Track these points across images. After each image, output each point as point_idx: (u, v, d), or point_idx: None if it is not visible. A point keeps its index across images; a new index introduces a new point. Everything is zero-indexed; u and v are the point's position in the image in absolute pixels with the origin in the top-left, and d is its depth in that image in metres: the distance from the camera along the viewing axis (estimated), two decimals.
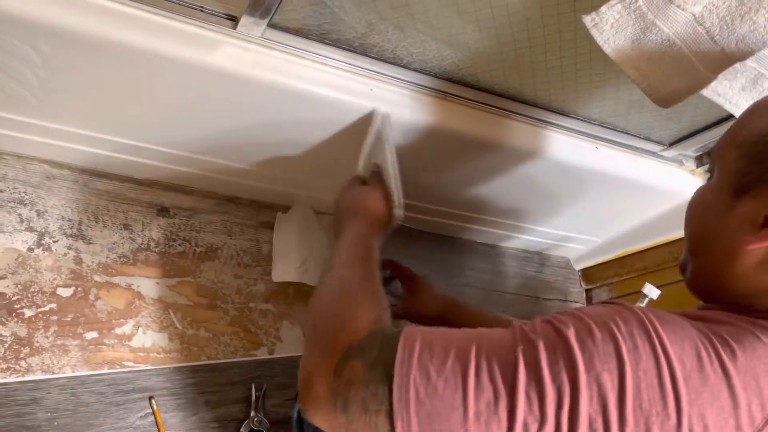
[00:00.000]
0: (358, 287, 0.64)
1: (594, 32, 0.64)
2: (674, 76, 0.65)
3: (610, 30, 0.63)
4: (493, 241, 1.39)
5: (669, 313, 0.50)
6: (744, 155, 0.53)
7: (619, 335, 0.46)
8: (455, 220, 1.25)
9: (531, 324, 0.51)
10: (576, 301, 1.47)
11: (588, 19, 0.63)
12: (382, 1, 0.71)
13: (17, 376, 0.88)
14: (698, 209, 0.60)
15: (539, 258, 1.45)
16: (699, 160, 1.08)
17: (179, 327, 1.01)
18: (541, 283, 1.43)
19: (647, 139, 1.03)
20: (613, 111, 0.94)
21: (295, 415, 0.83)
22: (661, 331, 0.46)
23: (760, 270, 0.51)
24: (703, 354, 0.46)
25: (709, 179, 0.60)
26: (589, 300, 1.48)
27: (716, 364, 0.46)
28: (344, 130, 0.90)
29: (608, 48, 0.65)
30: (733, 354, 0.46)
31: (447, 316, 1.06)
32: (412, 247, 1.26)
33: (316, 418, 0.53)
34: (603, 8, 0.62)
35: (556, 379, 0.45)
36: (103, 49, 0.73)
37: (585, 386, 0.45)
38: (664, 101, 0.68)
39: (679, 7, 0.58)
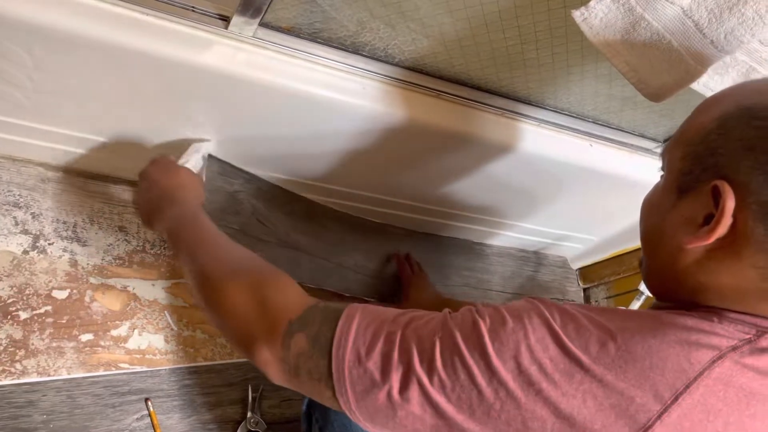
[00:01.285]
0: (254, 262, 0.68)
1: (584, 27, 0.64)
2: (664, 69, 0.65)
3: (600, 24, 0.63)
4: (489, 240, 1.38)
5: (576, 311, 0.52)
6: (687, 154, 0.53)
7: (528, 326, 0.50)
8: (452, 219, 1.25)
9: (458, 312, 0.55)
10: (574, 300, 1.46)
11: (577, 14, 0.63)
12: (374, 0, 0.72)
13: (12, 379, 0.88)
14: (648, 209, 0.60)
15: (536, 257, 1.45)
16: None
17: (175, 328, 1.01)
18: (539, 283, 1.43)
19: (641, 136, 1.03)
20: (606, 107, 0.94)
21: (304, 408, 0.83)
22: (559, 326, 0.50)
23: (699, 269, 0.51)
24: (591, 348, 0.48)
25: (661, 177, 0.60)
26: (587, 299, 1.48)
27: (600, 361, 0.47)
28: (337, 129, 0.90)
29: (598, 42, 0.65)
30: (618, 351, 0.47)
31: None
32: (407, 247, 1.26)
33: (272, 377, 0.58)
34: (592, 3, 0.62)
35: (466, 365, 0.49)
36: (95, 51, 0.73)
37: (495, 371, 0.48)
38: (655, 95, 0.68)
39: (667, 0, 0.58)
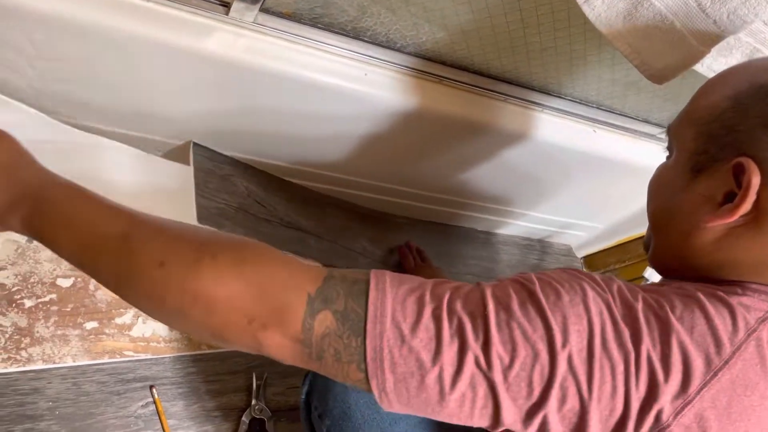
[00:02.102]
0: (203, 231, 0.51)
1: (585, 8, 0.63)
2: (667, 51, 0.64)
3: (602, 6, 0.63)
4: (494, 229, 1.38)
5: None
6: (700, 134, 0.53)
7: (582, 289, 0.48)
8: (455, 207, 1.24)
9: (498, 283, 0.51)
10: None
11: None
12: None
13: (18, 366, 0.89)
14: (658, 187, 0.60)
15: (541, 246, 1.45)
16: None
17: None
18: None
19: (645, 121, 1.02)
20: (610, 92, 0.94)
21: (303, 396, 0.83)
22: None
23: (718, 246, 0.52)
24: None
25: (668, 157, 0.60)
26: None
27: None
28: (338, 115, 0.90)
29: (600, 24, 0.64)
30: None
31: None
32: (411, 236, 1.26)
33: (285, 361, 0.50)
34: None
35: (529, 337, 0.46)
36: (96, 37, 0.73)
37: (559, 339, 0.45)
38: (658, 77, 0.67)
39: None
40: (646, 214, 1.20)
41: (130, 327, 0.98)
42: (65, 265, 0.96)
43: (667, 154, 0.61)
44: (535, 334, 0.45)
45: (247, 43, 0.78)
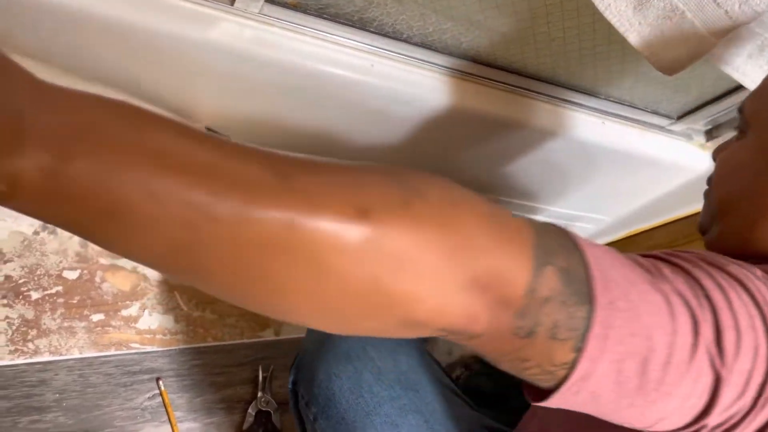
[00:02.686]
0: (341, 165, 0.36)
1: (596, 0, 0.63)
2: (678, 41, 0.63)
3: None
4: None
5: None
6: None
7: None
8: None
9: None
10: None
11: None
12: None
13: (25, 358, 0.89)
14: (732, 169, 0.58)
15: None
16: (708, 134, 1.06)
17: (185, 309, 1.01)
18: None
19: (655, 112, 1.01)
20: (619, 84, 0.93)
21: (290, 385, 0.83)
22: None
23: None
24: None
25: (738, 137, 0.58)
26: None
27: None
28: (346, 107, 0.89)
29: (610, 15, 0.63)
30: None
31: None
32: None
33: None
34: None
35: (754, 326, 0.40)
36: (99, 26, 0.72)
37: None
38: (669, 68, 0.66)
39: None
40: (653, 206, 1.19)
41: (136, 319, 0.98)
42: (71, 256, 0.96)
43: (736, 134, 0.59)
44: (756, 322, 0.40)
45: (254, 34, 0.78)
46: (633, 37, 0.64)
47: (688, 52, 0.64)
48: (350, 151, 1.02)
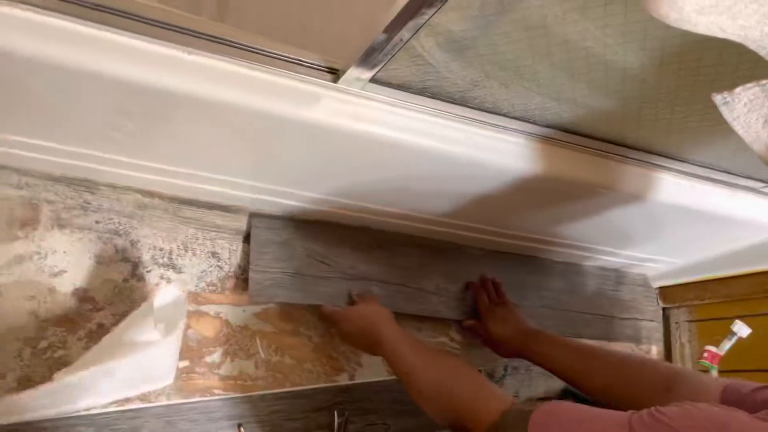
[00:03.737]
0: (460, 373, 0.84)
1: (723, 110, 0.60)
2: None
3: (743, 108, 0.60)
4: (574, 261, 1.36)
5: None
6: None
7: None
8: (537, 243, 1.23)
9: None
10: (652, 320, 1.44)
11: (719, 98, 0.59)
12: (491, 64, 0.69)
13: (117, 406, 0.92)
14: None
15: (616, 275, 1.42)
16: None
17: (263, 355, 1.03)
18: (618, 302, 1.40)
19: (749, 177, 0.98)
20: (718, 155, 0.90)
21: None
22: None
23: None
24: None
25: None
26: (666, 319, 1.44)
27: None
28: (442, 175, 0.89)
29: (737, 126, 0.61)
30: None
31: (521, 350, 1.06)
32: (485, 268, 1.25)
33: None
34: (738, 89, 0.58)
35: None
36: (205, 105, 0.73)
37: None
38: None
39: None
40: (732, 257, 1.17)
41: (219, 366, 1.00)
42: None
43: None
44: None
45: (355, 110, 0.77)
46: (761, 149, 0.62)
47: None
48: (434, 205, 1.02)
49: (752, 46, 0.51)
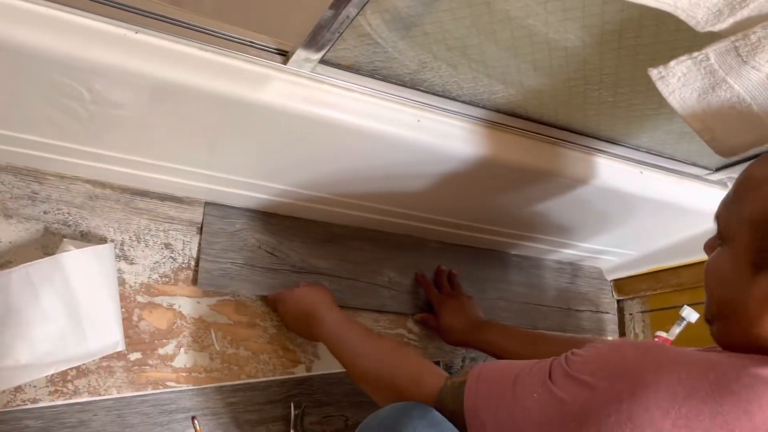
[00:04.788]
0: (399, 353, 0.85)
1: (659, 84, 0.62)
2: (741, 130, 0.63)
3: (677, 83, 0.62)
4: (531, 254, 1.38)
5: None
6: (757, 230, 0.55)
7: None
8: (495, 235, 1.24)
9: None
10: (608, 312, 1.46)
11: (654, 72, 0.62)
12: (438, 43, 0.70)
13: (65, 399, 0.90)
14: (718, 278, 0.62)
15: (572, 269, 1.45)
16: None
17: (218, 347, 1.02)
18: (574, 295, 1.43)
19: (693, 164, 1.01)
20: (663, 140, 0.93)
21: None
22: None
23: None
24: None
25: (719, 244, 0.62)
26: (620, 311, 1.47)
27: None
28: (390, 161, 0.89)
29: (673, 100, 0.63)
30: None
31: (471, 340, 1.08)
32: (442, 261, 1.26)
33: None
34: (672, 63, 0.60)
35: None
36: (153, 86, 0.72)
37: None
38: (727, 152, 0.66)
39: (753, 68, 0.57)
40: (683, 246, 1.20)
41: (172, 357, 0.98)
42: None
43: (718, 241, 0.63)
44: None
45: (305, 92, 0.77)
46: (695, 124, 0.64)
47: (750, 141, 0.64)
48: (384, 193, 1.03)
49: (682, 16, 0.53)
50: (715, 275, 0.62)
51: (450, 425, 0.66)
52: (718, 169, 1.02)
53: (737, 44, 0.55)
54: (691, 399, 0.51)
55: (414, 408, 0.68)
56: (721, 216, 0.62)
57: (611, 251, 1.35)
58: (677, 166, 1.01)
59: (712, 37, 0.57)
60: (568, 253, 1.37)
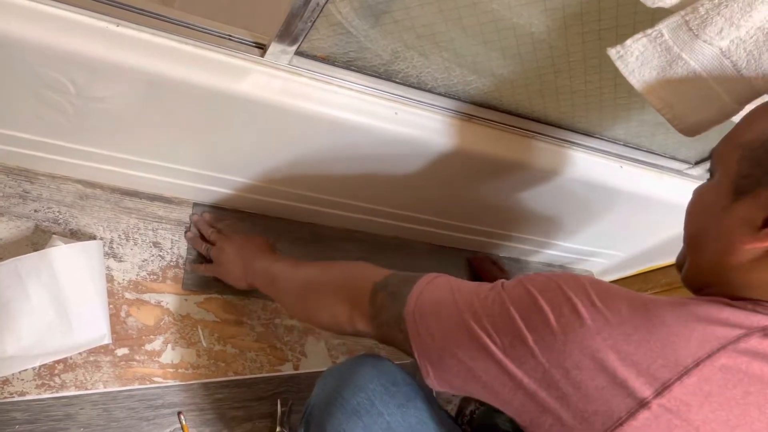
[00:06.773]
0: (334, 264, 0.85)
1: (619, 64, 0.64)
2: (700, 106, 0.65)
3: (635, 62, 0.64)
4: (519, 256, 1.39)
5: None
6: (745, 157, 0.55)
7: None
8: (482, 236, 1.25)
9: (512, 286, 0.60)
10: None
11: (613, 52, 0.63)
12: (408, 32, 0.72)
13: (51, 392, 0.91)
14: (697, 208, 0.62)
15: (562, 271, 1.45)
16: None
17: (205, 344, 1.03)
18: None
19: (673, 158, 1.03)
20: (638, 132, 0.94)
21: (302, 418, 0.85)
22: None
23: (754, 267, 0.54)
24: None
25: (709, 179, 0.61)
26: None
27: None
28: (370, 152, 0.91)
29: (633, 79, 0.65)
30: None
31: None
32: (432, 264, 1.27)
33: (371, 336, 0.73)
34: (628, 41, 0.62)
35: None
36: (134, 79, 0.75)
37: None
38: (690, 131, 0.68)
39: (706, 42, 0.58)
40: (669, 244, 1.20)
41: (159, 353, 0.99)
42: None
43: (708, 176, 0.63)
44: None
45: (283, 85, 0.80)
46: (655, 101, 0.66)
47: (710, 117, 0.65)
48: (366, 188, 1.04)
49: None
50: (693, 206, 0.62)
51: (401, 373, 0.69)
52: (697, 163, 1.03)
53: (687, 18, 0.57)
54: (623, 325, 0.51)
55: (367, 356, 0.70)
56: (716, 148, 0.61)
57: (600, 252, 1.36)
58: (657, 160, 1.02)
59: (667, 15, 0.59)
60: (555, 255, 1.38)
